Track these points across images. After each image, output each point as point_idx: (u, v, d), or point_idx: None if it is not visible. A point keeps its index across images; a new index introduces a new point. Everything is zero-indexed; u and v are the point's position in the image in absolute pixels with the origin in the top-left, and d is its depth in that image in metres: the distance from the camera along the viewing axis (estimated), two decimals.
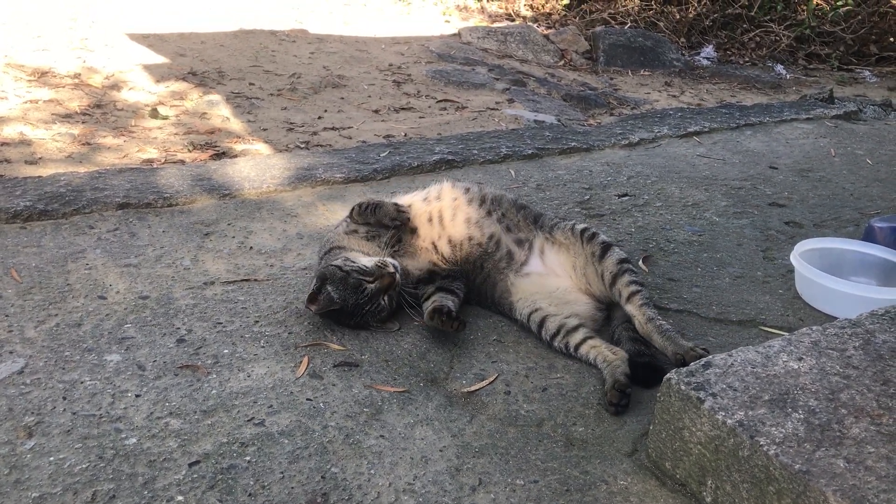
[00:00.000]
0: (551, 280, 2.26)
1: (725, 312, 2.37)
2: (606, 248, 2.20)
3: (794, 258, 2.45)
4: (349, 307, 2.09)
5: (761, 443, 1.44)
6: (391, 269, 2.13)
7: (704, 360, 1.70)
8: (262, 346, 2.04)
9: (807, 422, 1.49)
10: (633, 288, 2.10)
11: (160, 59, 5.54)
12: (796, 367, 1.67)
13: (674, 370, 1.67)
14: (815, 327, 1.83)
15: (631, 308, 2.09)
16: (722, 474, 1.52)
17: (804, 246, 2.54)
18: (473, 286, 2.31)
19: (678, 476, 1.63)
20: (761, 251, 2.84)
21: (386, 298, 2.13)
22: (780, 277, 2.62)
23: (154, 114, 4.40)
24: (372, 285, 2.10)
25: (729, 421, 1.50)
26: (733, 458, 1.49)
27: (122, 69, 5.19)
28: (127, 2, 7.09)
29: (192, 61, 5.61)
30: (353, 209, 2.39)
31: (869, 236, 2.70)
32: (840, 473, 1.36)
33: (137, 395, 1.81)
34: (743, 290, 2.52)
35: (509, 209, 2.40)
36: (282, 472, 1.59)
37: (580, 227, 2.29)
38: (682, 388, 1.61)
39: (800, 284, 2.49)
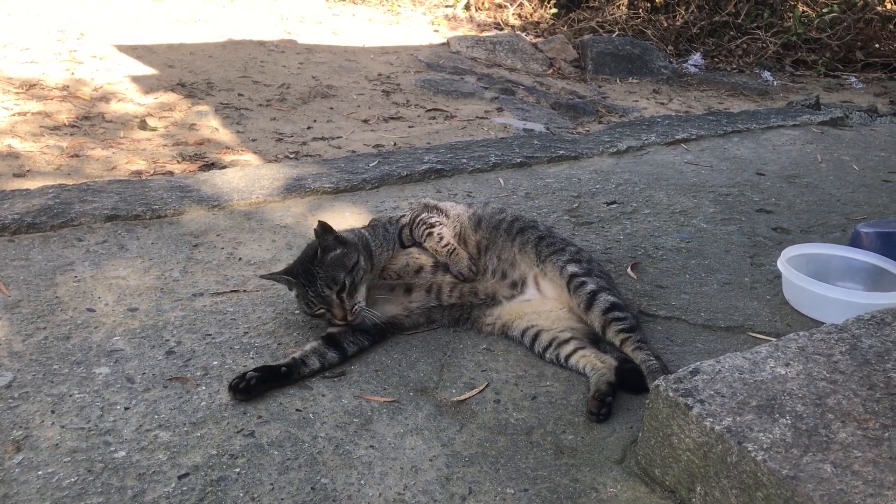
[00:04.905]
0: (548, 303, 2.25)
1: (713, 319, 2.38)
2: (592, 298, 2.14)
3: (781, 264, 2.47)
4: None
5: (749, 448, 1.45)
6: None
7: (693, 366, 1.71)
8: (252, 358, 2.04)
9: (794, 427, 1.50)
10: (623, 336, 2.08)
11: (149, 71, 5.54)
12: (783, 372, 1.68)
13: (662, 377, 1.68)
14: (801, 333, 1.84)
15: (627, 352, 2.07)
16: (711, 480, 1.53)
17: (791, 252, 2.56)
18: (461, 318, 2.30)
19: (667, 483, 1.64)
20: (749, 257, 2.86)
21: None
22: (768, 283, 2.64)
23: (143, 125, 4.40)
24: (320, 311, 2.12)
25: (717, 427, 1.51)
26: (722, 464, 1.50)
27: (110, 81, 5.19)
28: (115, 14, 7.09)
29: (181, 72, 5.62)
30: (404, 228, 2.35)
31: (855, 241, 2.71)
32: (827, 478, 1.37)
33: (126, 408, 1.80)
34: (731, 296, 2.54)
35: (504, 244, 2.33)
36: (272, 484, 1.59)
37: (569, 271, 2.20)
38: (671, 394, 1.62)
39: (787, 290, 2.51)
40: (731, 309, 2.44)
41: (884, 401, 1.59)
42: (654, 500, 1.61)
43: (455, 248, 2.26)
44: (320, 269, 2.09)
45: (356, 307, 2.09)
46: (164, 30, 6.76)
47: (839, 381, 1.65)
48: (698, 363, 1.71)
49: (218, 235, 2.78)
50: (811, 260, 2.58)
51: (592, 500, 1.60)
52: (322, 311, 2.10)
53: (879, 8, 8.12)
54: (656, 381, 1.66)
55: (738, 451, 1.46)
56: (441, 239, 2.27)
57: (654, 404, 1.66)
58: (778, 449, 1.44)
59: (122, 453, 1.65)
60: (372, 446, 1.73)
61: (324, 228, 2.12)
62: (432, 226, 2.29)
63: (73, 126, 4.31)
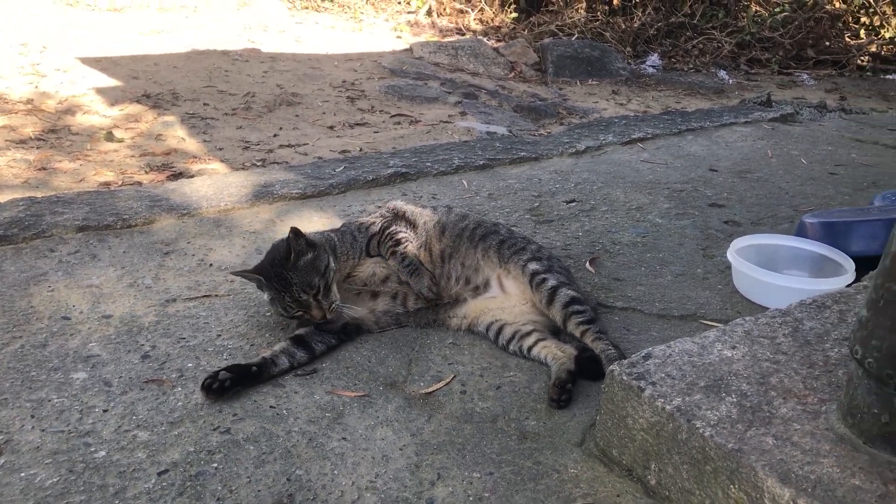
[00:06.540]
0: (511, 300, 2.34)
1: (668, 308, 2.48)
2: (553, 293, 2.23)
3: (731, 255, 2.58)
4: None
5: (697, 426, 1.53)
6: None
7: (645, 351, 1.80)
8: (226, 359, 2.09)
9: (739, 404, 1.59)
10: (583, 327, 2.16)
11: (113, 83, 5.54)
12: (730, 354, 1.77)
13: (616, 362, 1.76)
14: (747, 317, 1.93)
15: (586, 342, 2.15)
16: (664, 457, 1.61)
17: (740, 243, 2.67)
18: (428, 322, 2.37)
19: (624, 462, 1.71)
20: (701, 249, 2.97)
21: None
22: (719, 273, 2.75)
23: (109, 137, 4.42)
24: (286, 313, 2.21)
25: (668, 407, 1.59)
26: (673, 441, 1.57)
27: (75, 94, 5.19)
28: (78, 27, 7.07)
29: (146, 84, 5.63)
30: (372, 238, 2.40)
31: (801, 231, 2.84)
32: (769, 450, 1.45)
33: (105, 410, 1.86)
34: (684, 286, 2.64)
35: (468, 251, 2.39)
36: (248, 476, 1.65)
37: (530, 269, 2.29)
38: (625, 378, 1.70)
39: (737, 279, 2.62)
40: (685, 298, 2.55)
41: (822, 377, 1.68)
42: (612, 478, 1.69)
43: (417, 269, 2.31)
44: (294, 274, 2.15)
45: (333, 305, 2.17)
46: (128, 42, 6.76)
47: (782, 361, 1.75)
48: (650, 348, 1.80)
49: (188, 242, 2.83)
50: (760, 250, 2.69)
51: (554, 480, 1.68)
52: (300, 313, 2.18)
53: (828, 7, 8.34)
54: (611, 367, 1.75)
55: (687, 429, 1.54)
56: (404, 258, 2.33)
57: (609, 388, 1.73)
58: (724, 425, 1.52)
59: (103, 453, 1.71)
60: (344, 438, 1.79)
61: (296, 234, 2.19)
62: (398, 242, 2.35)
63: (39, 139, 4.32)
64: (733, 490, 1.46)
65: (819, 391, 1.64)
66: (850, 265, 2.50)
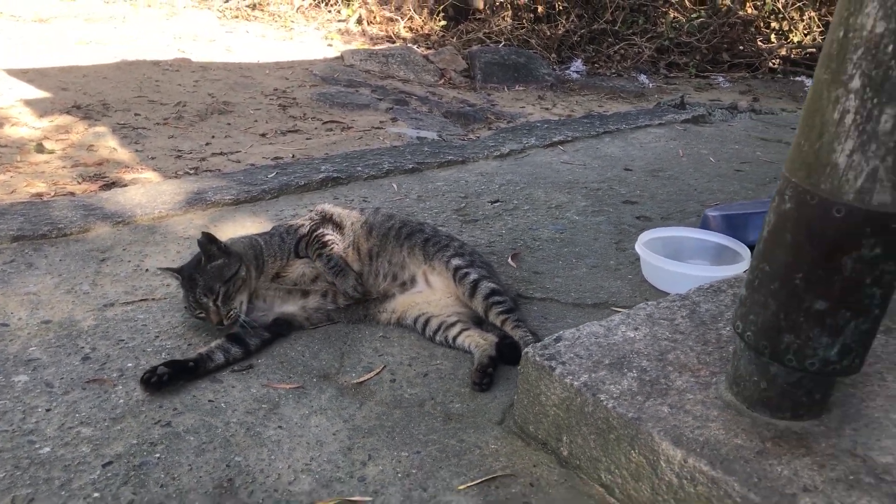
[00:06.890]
0: (436, 294, 2.47)
1: (582, 298, 2.65)
2: (474, 286, 2.37)
3: (639, 247, 2.77)
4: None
5: (602, 398, 1.68)
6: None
7: (556, 334, 1.96)
8: (165, 359, 2.16)
9: (639, 378, 1.75)
10: (503, 316, 2.31)
11: (42, 94, 5.49)
12: (633, 335, 1.94)
13: (531, 345, 1.92)
14: (650, 302, 2.10)
15: (507, 330, 2.30)
16: (574, 429, 1.76)
17: (648, 235, 2.86)
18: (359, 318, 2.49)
19: (540, 436, 1.86)
20: (615, 243, 3.15)
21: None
22: (630, 265, 2.93)
23: (40, 148, 4.41)
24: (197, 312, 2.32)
25: (576, 383, 1.74)
26: (581, 414, 1.73)
27: (2, 105, 5.12)
28: (2, 37, 6.95)
29: (76, 95, 5.59)
30: (301, 241, 2.51)
31: (704, 224, 3.06)
32: (664, 417, 1.62)
33: (48, 410, 1.93)
34: (598, 277, 2.82)
35: (394, 250, 2.52)
36: (189, 465, 1.75)
37: (454, 264, 2.43)
38: (538, 359, 1.85)
39: (645, 269, 2.80)
40: (598, 288, 2.72)
41: (714, 353, 1.86)
42: (528, 451, 1.83)
43: (342, 270, 2.43)
44: (201, 277, 2.28)
45: (231, 313, 2.28)
46: (56, 52, 6.67)
47: (679, 339, 1.92)
48: (561, 332, 1.95)
49: (124, 249, 2.90)
50: (667, 242, 2.88)
51: (476, 456, 1.81)
52: (202, 314, 2.30)
53: (741, 13, 8.74)
54: (526, 349, 1.90)
55: (593, 402, 1.69)
56: (329, 260, 2.44)
57: (525, 369, 1.88)
58: (625, 397, 1.68)
59: (47, 449, 1.78)
60: (280, 427, 1.90)
61: (208, 239, 2.31)
62: (324, 245, 2.46)
63: None
64: (634, 455, 1.62)
65: (711, 365, 1.82)
66: (746, 253, 2.72)
